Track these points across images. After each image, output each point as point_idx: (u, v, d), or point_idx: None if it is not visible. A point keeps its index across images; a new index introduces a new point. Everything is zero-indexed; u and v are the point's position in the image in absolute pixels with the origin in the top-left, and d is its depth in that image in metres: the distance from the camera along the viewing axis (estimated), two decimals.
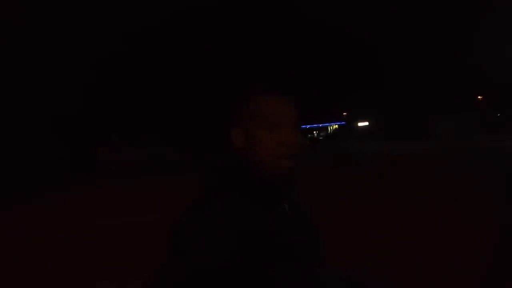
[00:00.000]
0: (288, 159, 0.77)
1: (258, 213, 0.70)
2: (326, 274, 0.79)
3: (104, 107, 21.53)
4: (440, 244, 3.65)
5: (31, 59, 16.60)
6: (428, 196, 6.13)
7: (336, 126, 58.19)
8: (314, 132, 62.18)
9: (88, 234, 5.06)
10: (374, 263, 3.21)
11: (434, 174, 8.82)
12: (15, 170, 13.78)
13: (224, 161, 0.82)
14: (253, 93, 0.80)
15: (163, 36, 26.90)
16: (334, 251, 1.25)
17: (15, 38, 15.64)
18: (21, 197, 9.39)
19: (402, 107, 34.47)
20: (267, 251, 0.66)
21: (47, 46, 17.50)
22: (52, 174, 14.38)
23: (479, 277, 2.83)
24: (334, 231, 3.91)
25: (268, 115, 0.77)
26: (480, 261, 3.10)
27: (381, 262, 3.25)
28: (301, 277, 0.69)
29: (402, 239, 3.86)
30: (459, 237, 3.78)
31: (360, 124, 47.02)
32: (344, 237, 3.90)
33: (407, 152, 16.45)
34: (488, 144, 17.19)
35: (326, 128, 61.39)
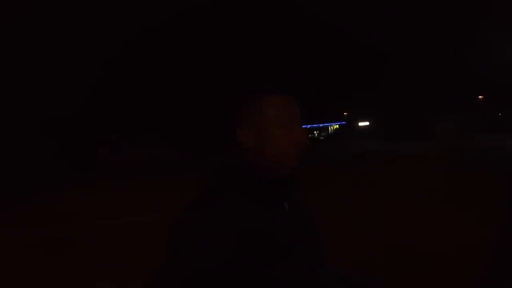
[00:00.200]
0: (297, 158, 0.78)
1: (258, 213, 0.70)
2: (326, 274, 0.79)
3: (104, 107, 21.54)
4: (440, 244, 3.64)
5: (33, 59, 16.62)
6: (428, 196, 6.11)
7: (337, 126, 58.16)
8: (315, 132, 62.13)
9: (88, 234, 5.06)
10: (374, 263, 3.20)
11: (434, 174, 8.81)
12: (15, 170, 13.78)
13: (224, 161, 0.82)
14: (260, 92, 0.80)
15: (164, 36, 26.92)
16: (334, 251, 1.25)
17: (15, 38, 15.65)
18: (21, 197, 9.39)
19: (402, 107, 34.47)
20: (267, 251, 0.66)
21: (48, 46, 17.51)
22: (52, 174, 14.38)
23: (479, 277, 2.81)
24: (334, 231, 3.87)
25: (278, 114, 0.77)
26: (480, 261, 3.02)
27: (381, 262, 3.23)
28: (301, 277, 0.69)
29: (402, 239, 3.85)
30: (459, 237, 3.78)
31: (361, 124, 47.02)
32: (344, 237, 3.90)
33: (407, 152, 16.43)
34: (489, 143, 17.17)
35: (327, 128, 61.33)
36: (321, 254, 0.82)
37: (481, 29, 28.55)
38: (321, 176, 9.60)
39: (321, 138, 53.37)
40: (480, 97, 35.10)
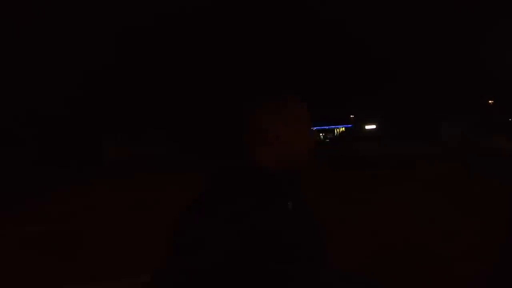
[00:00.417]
0: (306, 158, 0.80)
1: (261, 213, 0.70)
2: (327, 274, 0.79)
3: (110, 105, 21.55)
4: (442, 245, 3.62)
5: (36, 59, 16.74)
6: (433, 198, 6.07)
7: (343, 128, 57.85)
8: (321, 134, 61.83)
9: (91, 231, 5.11)
10: (374, 263, 3.20)
11: (441, 177, 8.72)
12: (20, 167, 13.89)
13: (228, 161, 0.82)
14: (268, 93, 0.82)
15: (174, 34, 26.91)
16: (335, 251, 1.26)
17: (16, 37, 15.73)
18: (25, 194, 9.44)
19: (409, 110, 34.17)
20: (270, 251, 0.66)
21: (50, 44, 17.59)
22: (57, 171, 14.47)
23: (480, 278, 2.80)
24: (336, 231, 3.97)
25: (287, 115, 0.79)
26: (482, 263, 3.07)
27: (381, 262, 3.23)
28: (303, 277, 0.69)
29: (402, 240, 3.86)
30: (462, 239, 3.75)
31: (368, 127, 46.72)
32: (346, 237, 3.92)
33: (414, 154, 16.28)
34: (498, 147, 16.94)
35: (333, 130, 61.04)
36: (324, 254, 0.82)
37: (493, 31, 28.16)
38: (324, 178, 9.57)
39: (327, 140, 53.10)
40: (490, 101, 34.64)
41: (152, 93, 24.26)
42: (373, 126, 45.70)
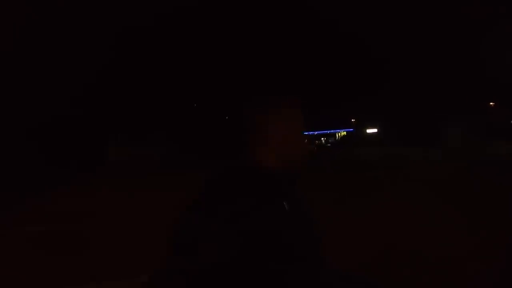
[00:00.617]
0: (302, 159, 0.82)
1: (261, 213, 0.70)
2: (326, 274, 0.79)
3: (113, 106, 21.56)
4: (443, 247, 3.61)
5: (39, 59, 16.84)
6: (434, 201, 6.05)
7: (344, 133, 57.92)
8: (322, 138, 61.87)
9: (91, 231, 5.10)
10: (374, 263, 3.19)
11: (442, 180, 8.68)
12: (23, 168, 13.89)
13: (228, 161, 0.83)
14: (267, 94, 0.83)
15: (174, 35, 27.06)
16: (334, 251, 1.24)
17: (16, 38, 15.82)
18: (26, 193, 9.42)
19: (411, 113, 34.17)
20: (270, 251, 0.66)
21: (53, 46, 17.71)
22: (61, 172, 14.47)
23: (480, 278, 2.79)
24: (336, 231, 3.96)
25: (290, 115, 0.81)
26: (482, 263, 3.06)
27: (381, 263, 3.22)
28: (304, 277, 0.69)
29: (402, 240, 3.85)
30: (463, 242, 3.73)
31: (369, 130, 46.72)
32: (345, 237, 3.90)
33: (415, 157, 16.26)
34: (501, 150, 16.92)
35: (334, 134, 61.12)
36: (322, 254, 0.82)
37: (494, 32, 28.18)
38: (323, 181, 9.56)
39: (328, 145, 53.10)
40: (491, 103, 34.62)
41: (152, 93, 24.34)
42: (375, 130, 45.70)
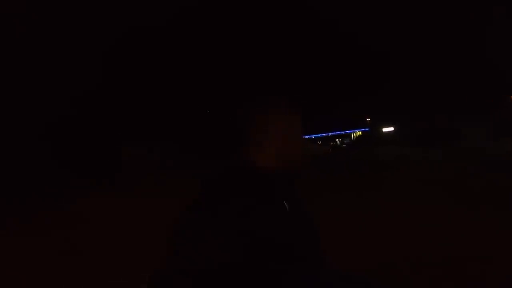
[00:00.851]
0: (302, 160, 0.84)
1: (261, 213, 0.70)
2: (326, 274, 0.76)
3: (112, 106, 21.90)
4: (445, 248, 3.52)
5: (48, 61, 17.35)
6: (443, 201, 5.84)
7: (360, 132, 57.48)
8: (337, 139, 61.68)
9: (103, 236, 5.10)
10: (374, 264, 3.19)
11: (457, 179, 8.33)
12: (35, 172, 14.26)
13: (228, 161, 0.83)
14: (271, 93, 0.85)
15: (174, 36, 27.51)
16: (334, 251, 1.15)
17: (17, 38, 16.29)
18: (39, 200, 9.65)
19: (428, 111, 33.52)
20: (270, 251, 0.65)
21: (61, 47, 18.23)
22: (74, 177, 14.79)
23: (481, 279, 2.75)
24: (336, 231, 4.03)
25: (290, 115, 0.83)
26: (482, 263, 3.00)
27: (381, 263, 3.20)
28: (303, 277, 0.67)
29: (403, 240, 3.83)
30: (467, 243, 3.59)
31: (385, 129, 46.03)
32: (346, 237, 3.93)
33: (431, 157, 15.94)
34: None
35: (350, 135, 60.86)
36: (321, 254, 0.81)
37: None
38: (327, 182, 9.48)
39: (344, 145, 52.74)
40: None
41: (152, 93, 24.74)
42: (391, 128, 45.00)
